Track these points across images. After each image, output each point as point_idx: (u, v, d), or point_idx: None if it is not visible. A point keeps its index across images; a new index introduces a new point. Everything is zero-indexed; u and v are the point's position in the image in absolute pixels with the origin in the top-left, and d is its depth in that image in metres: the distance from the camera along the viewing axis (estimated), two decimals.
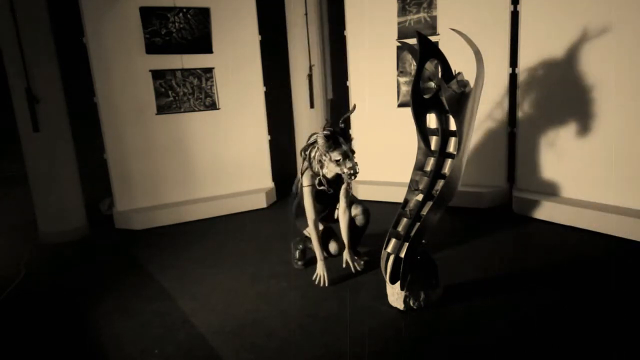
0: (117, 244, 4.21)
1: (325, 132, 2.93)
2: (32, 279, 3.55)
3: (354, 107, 3.19)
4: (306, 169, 3.13)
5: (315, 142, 3.03)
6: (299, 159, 3.28)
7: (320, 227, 3.23)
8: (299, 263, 3.43)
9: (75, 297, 3.21)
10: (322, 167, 3.07)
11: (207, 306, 2.96)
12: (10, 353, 2.65)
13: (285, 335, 2.58)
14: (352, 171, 2.95)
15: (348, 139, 3.01)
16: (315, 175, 3.11)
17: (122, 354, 2.52)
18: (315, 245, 3.15)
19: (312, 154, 3.08)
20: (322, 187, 3.11)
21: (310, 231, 3.17)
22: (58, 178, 4.27)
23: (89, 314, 2.96)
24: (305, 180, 3.11)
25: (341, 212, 3.25)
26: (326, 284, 3.09)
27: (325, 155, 2.98)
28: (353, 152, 2.99)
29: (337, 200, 3.29)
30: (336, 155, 2.94)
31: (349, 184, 3.15)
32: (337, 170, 3.00)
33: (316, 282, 3.13)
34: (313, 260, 3.31)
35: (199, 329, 2.69)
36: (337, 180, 3.18)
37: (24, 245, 4.20)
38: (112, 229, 4.58)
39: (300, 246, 3.42)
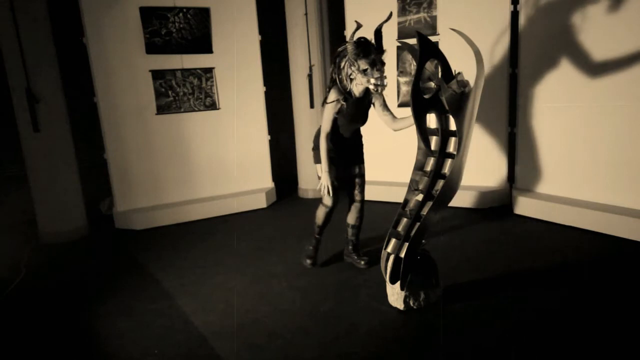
0: (117, 244, 4.21)
1: (358, 38, 2.81)
2: (32, 279, 3.55)
3: (390, 14, 2.96)
4: (334, 83, 2.99)
5: (345, 49, 2.89)
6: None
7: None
8: (308, 261, 3.39)
9: (76, 297, 3.21)
10: (351, 81, 2.95)
11: (207, 306, 2.96)
12: (10, 353, 2.65)
13: (285, 335, 2.58)
14: (379, 82, 2.83)
15: (380, 50, 2.87)
16: (342, 92, 2.97)
17: (122, 354, 2.52)
18: (323, 157, 3.03)
19: (342, 64, 2.94)
20: (346, 104, 2.97)
21: (321, 143, 3.03)
22: (58, 178, 4.27)
23: (89, 314, 2.96)
24: (332, 95, 2.97)
25: (389, 121, 3.13)
26: (330, 194, 3.07)
27: (353, 64, 2.85)
28: (383, 63, 2.86)
29: (363, 122, 3.17)
30: (363, 64, 2.82)
31: (383, 101, 3.04)
32: (365, 82, 2.87)
33: (320, 193, 3.10)
34: (321, 265, 3.32)
35: (199, 329, 2.69)
36: (365, 99, 3.05)
37: (24, 245, 4.20)
38: (112, 229, 4.58)
39: (314, 242, 3.38)
